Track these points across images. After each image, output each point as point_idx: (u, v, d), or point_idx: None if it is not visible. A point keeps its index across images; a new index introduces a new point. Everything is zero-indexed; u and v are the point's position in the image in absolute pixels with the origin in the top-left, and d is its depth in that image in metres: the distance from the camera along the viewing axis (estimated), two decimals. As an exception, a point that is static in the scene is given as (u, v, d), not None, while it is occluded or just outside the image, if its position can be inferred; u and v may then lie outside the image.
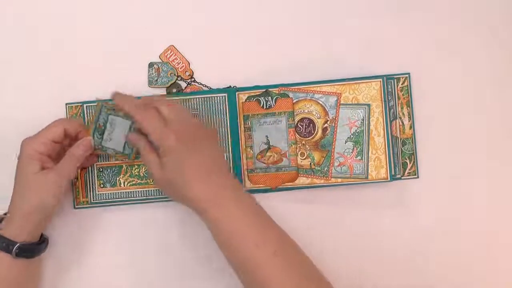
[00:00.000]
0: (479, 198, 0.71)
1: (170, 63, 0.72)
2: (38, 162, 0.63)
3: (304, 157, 0.70)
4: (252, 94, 0.70)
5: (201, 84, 0.72)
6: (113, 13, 0.72)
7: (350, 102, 0.70)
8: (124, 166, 0.70)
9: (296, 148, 0.70)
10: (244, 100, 0.70)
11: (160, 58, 0.72)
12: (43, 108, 0.71)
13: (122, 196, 0.70)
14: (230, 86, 0.71)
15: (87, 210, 0.71)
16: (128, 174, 0.70)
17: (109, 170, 0.70)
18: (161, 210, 0.71)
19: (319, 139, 0.70)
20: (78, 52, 0.72)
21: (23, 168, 0.63)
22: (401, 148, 0.71)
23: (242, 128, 0.71)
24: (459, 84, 0.72)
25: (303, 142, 0.70)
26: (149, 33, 0.72)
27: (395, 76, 0.71)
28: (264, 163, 0.70)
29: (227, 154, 0.70)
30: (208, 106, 0.70)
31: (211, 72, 0.72)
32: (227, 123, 0.70)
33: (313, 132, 0.70)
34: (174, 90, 0.72)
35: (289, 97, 0.70)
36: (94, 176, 0.70)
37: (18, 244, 0.62)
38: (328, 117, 0.70)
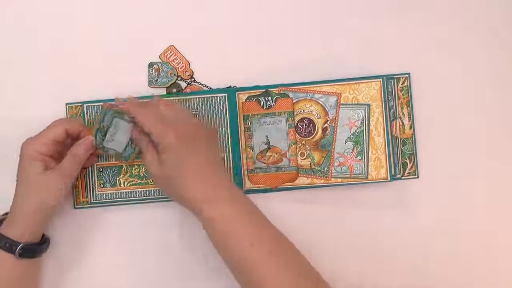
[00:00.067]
0: (479, 198, 0.71)
1: (170, 63, 0.72)
2: (40, 162, 0.63)
3: (304, 157, 0.70)
4: (252, 94, 0.70)
5: (201, 84, 0.72)
6: (113, 13, 0.72)
7: (350, 102, 0.70)
8: (124, 166, 0.70)
9: (296, 148, 0.70)
10: (244, 100, 0.70)
11: (160, 58, 0.72)
12: (43, 108, 0.71)
13: (122, 196, 0.70)
14: (230, 86, 0.71)
15: (87, 210, 0.71)
16: (128, 174, 0.70)
17: (109, 170, 0.70)
18: (161, 210, 0.71)
19: (319, 139, 0.70)
20: (78, 52, 0.72)
21: (25, 169, 0.63)
22: (401, 148, 0.71)
23: (242, 128, 0.71)
24: (459, 84, 0.72)
25: (303, 142, 0.70)
26: (149, 33, 0.72)
27: (395, 76, 0.71)
28: (264, 163, 0.70)
29: (227, 154, 0.70)
30: (208, 106, 0.70)
31: (211, 72, 0.72)
32: (227, 123, 0.70)
33: (313, 132, 0.70)
34: (174, 90, 0.72)
35: (289, 97, 0.70)
36: (94, 176, 0.70)
37: (21, 245, 0.62)
38: (328, 117, 0.70)
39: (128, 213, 0.71)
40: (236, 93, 0.70)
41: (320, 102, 0.70)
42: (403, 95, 0.71)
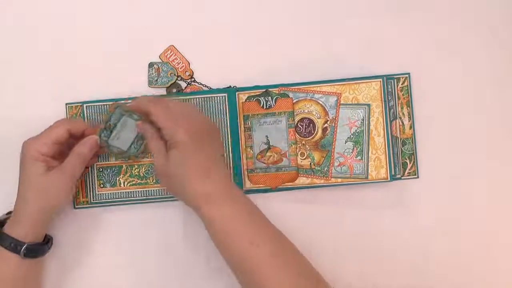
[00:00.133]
0: (479, 198, 0.71)
1: (170, 63, 0.72)
2: (42, 163, 0.63)
3: (304, 157, 0.70)
4: (252, 94, 0.70)
5: (201, 84, 0.72)
6: (113, 13, 0.72)
7: (350, 102, 0.70)
8: (124, 166, 0.70)
9: (296, 148, 0.70)
10: (244, 100, 0.70)
11: (160, 58, 0.72)
12: (43, 108, 0.71)
13: (122, 196, 0.70)
14: (230, 86, 0.71)
15: (87, 210, 0.71)
16: (128, 174, 0.70)
17: (109, 170, 0.70)
18: (161, 210, 0.71)
19: (319, 139, 0.70)
20: (78, 52, 0.72)
21: (27, 169, 0.63)
22: (401, 148, 0.71)
23: (242, 128, 0.71)
24: (459, 84, 0.72)
25: (303, 142, 0.70)
26: (149, 33, 0.72)
27: (395, 76, 0.71)
28: (264, 163, 0.70)
29: (227, 154, 0.70)
30: (208, 106, 0.70)
31: (211, 72, 0.72)
32: (227, 123, 0.70)
33: (313, 132, 0.70)
34: (174, 90, 0.72)
35: (289, 97, 0.70)
36: (94, 176, 0.70)
37: (26, 245, 0.62)
38: (328, 117, 0.70)
39: (128, 213, 0.71)
40: (236, 93, 0.70)
41: (320, 102, 0.70)
42: (403, 95, 0.71)
